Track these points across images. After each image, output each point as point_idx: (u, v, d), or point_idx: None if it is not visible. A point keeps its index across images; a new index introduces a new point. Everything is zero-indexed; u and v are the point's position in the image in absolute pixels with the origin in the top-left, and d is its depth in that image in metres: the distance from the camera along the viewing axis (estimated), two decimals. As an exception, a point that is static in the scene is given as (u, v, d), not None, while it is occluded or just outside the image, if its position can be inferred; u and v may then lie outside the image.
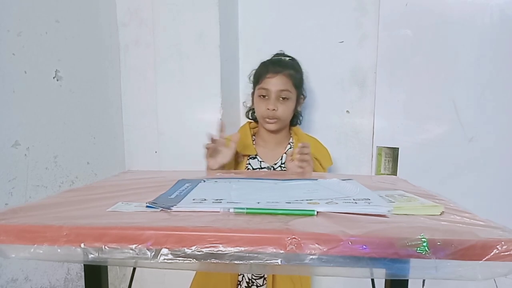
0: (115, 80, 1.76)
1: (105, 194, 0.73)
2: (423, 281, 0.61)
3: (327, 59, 1.63)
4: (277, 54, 1.39)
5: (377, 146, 1.61)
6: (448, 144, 1.49)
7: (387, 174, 1.62)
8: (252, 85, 1.36)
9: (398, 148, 1.56)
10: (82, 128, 1.53)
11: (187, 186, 0.77)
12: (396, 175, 1.56)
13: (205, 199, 0.65)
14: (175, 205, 0.62)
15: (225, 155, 1.18)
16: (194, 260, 0.50)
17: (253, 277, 1.26)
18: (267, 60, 1.35)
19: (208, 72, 1.52)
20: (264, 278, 1.25)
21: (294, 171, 1.12)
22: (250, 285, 1.26)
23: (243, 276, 1.26)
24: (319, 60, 1.64)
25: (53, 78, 1.37)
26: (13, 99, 1.20)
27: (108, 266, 0.75)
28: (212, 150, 1.15)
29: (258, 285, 1.26)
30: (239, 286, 1.26)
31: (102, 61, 1.67)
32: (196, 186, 0.78)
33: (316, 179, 0.86)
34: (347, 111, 1.64)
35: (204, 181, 0.84)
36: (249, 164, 1.29)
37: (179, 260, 0.50)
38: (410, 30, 1.49)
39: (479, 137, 1.46)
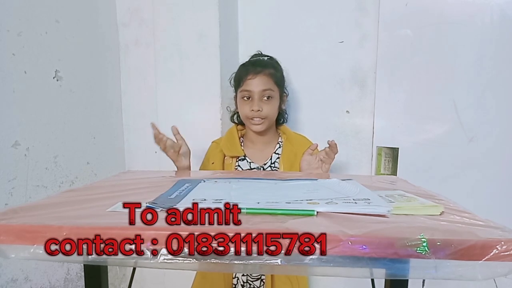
0: (115, 80, 1.76)
1: (105, 194, 0.73)
2: (423, 281, 0.61)
3: (327, 59, 1.63)
4: (255, 55, 1.38)
5: (377, 146, 1.61)
6: (448, 144, 1.49)
7: (387, 174, 1.62)
8: (233, 88, 1.35)
9: (398, 148, 1.56)
10: (82, 128, 1.53)
11: (187, 186, 0.77)
12: (396, 175, 1.56)
13: (205, 199, 0.65)
14: (175, 205, 0.62)
15: (184, 148, 1.22)
16: (194, 260, 0.50)
17: (249, 279, 1.25)
18: (246, 62, 1.34)
19: (208, 72, 1.52)
20: (261, 280, 1.25)
21: (310, 165, 1.14)
22: (246, 287, 1.26)
23: (238, 279, 1.25)
24: (319, 60, 1.64)
25: (53, 78, 1.37)
26: (13, 99, 1.20)
27: (108, 266, 0.75)
28: (169, 147, 1.19)
29: (255, 286, 1.25)
30: None
31: (102, 61, 1.67)
32: (196, 186, 0.78)
33: (316, 179, 0.86)
34: (347, 111, 1.64)
35: (204, 181, 0.84)
36: (238, 166, 1.29)
37: (179, 260, 0.50)
38: (410, 30, 1.49)
39: (479, 137, 1.46)
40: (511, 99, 1.42)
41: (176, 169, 1.23)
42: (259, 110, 1.24)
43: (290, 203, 0.63)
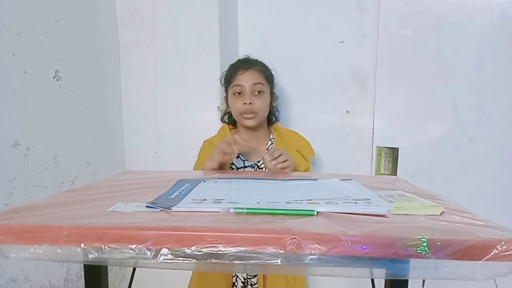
0: (115, 80, 1.76)
1: (105, 194, 0.73)
2: (423, 281, 0.61)
3: (327, 59, 1.63)
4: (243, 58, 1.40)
5: (377, 146, 1.61)
6: (448, 144, 1.49)
7: (387, 174, 1.62)
8: (224, 88, 1.37)
9: (398, 148, 1.56)
10: (82, 128, 1.53)
11: (187, 186, 0.77)
12: (396, 175, 1.56)
13: (205, 199, 0.65)
14: (175, 205, 0.62)
15: (227, 157, 1.17)
16: (194, 260, 0.50)
17: (248, 276, 1.26)
18: (236, 61, 1.37)
19: (208, 72, 1.52)
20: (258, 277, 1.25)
21: (275, 170, 1.12)
22: (245, 284, 1.26)
23: (237, 277, 1.26)
24: (319, 60, 1.64)
25: (53, 78, 1.37)
26: (13, 99, 1.20)
27: (108, 266, 0.75)
28: (223, 154, 1.14)
29: (253, 284, 1.26)
30: (234, 287, 1.26)
31: (102, 61, 1.66)
32: (196, 186, 0.78)
33: (316, 179, 0.86)
34: (347, 111, 1.64)
35: (204, 181, 0.84)
36: (233, 163, 1.29)
37: (179, 260, 0.50)
38: (410, 30, 1.49)
39: (479, 137, 1.46)
40: (511, 99, 1.42)
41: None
42: (251, 103, 1.24)
43: (290, 203, 0.63)
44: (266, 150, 1.30)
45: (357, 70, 1.61)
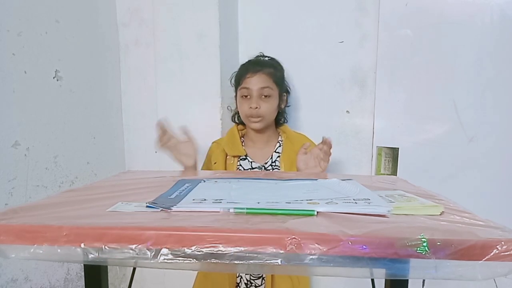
0: (115, 80, 1.76)
1: (105, 194, 0.73)
2: (423, 281, 0.61)
3: (327, 59, 1.63)
4: (256, 56, 1.40)
5: (377, 146, 1.61)
6: (448, 144, 1.49)
7: (387, 174, 1.62)
8: (234, 88, 1.37)
9: (398, 148, 1.56)
10: (82, 128, 1.53)
11: (187, 186, 0.77)
12: (396, 175, 1.56)
13: (205, 199, 0.65)
14: (175, 205, 0.62)
15: (189, 147, 1.18)
16: (194, 260, 0.49)
17: (252, 277, 1.26)
18: (246, 61, 1.37)
19: (208, 72, 1.52)
20: (263, 278, 1.25)
21: (307, 164, 1.14)
22: (248, 286, 1.26)
23: (241, 277, 1.26)
24: (319, 60, 1.64)
25: (53, 78, 1.37)
26: (13, 99, 1.20)
27: (108, 266, 0.75)
28: (173, 147, 1.17)
29: (257, 285, 1.26)
30: (238, 287, 1.27)
31: (102, 61, 1.67)
32: (196, 186, 0.78)
33: (316, 179, 0.86)
34: (347, 111, 1.64)
35: (204, 181, 0.84)
36: (240, 165, 1.30)
37: (179, 260, 0.49)
38: (410, 30, 1.49)
39: (479, 137, 1.46)
40: (511, 99, 1.42)
41: (181, 168, 1.23)
42: (257, 108, 1.24)
43: (290, 203, 0.63)
44: (275, 152, 1.31)
45: (357, 70, 1.61)
